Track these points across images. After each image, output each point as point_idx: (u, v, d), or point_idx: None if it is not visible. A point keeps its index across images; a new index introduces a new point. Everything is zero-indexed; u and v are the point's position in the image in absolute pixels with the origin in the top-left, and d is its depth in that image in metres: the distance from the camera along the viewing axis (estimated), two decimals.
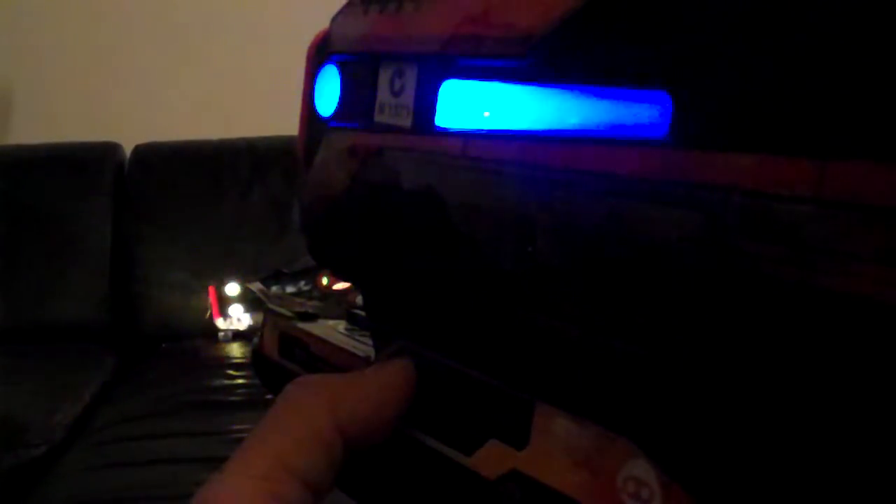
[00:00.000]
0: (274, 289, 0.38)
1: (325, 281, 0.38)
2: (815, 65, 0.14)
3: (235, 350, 1.71)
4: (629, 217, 0.16)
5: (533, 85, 0.19)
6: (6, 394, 1.48)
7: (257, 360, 0.32)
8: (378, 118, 0.23)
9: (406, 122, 0.22)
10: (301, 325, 0.30)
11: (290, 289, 0.40)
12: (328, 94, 0.25)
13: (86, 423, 1.45)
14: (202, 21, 1.98)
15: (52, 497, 1.22)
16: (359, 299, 0.32)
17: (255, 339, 0.32)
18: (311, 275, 0.40)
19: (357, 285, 0.29)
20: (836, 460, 0.14)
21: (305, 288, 0.39)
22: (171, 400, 1.45)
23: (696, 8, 0.16)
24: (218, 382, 1.52)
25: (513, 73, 0.19)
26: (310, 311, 0.31)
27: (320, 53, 0.25)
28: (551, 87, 0.18)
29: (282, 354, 0.30)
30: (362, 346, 0.27)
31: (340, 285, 0.35)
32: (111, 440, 1.34)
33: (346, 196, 0.23)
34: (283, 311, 0.31)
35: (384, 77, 0.23)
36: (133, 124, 1.94)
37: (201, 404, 1.43)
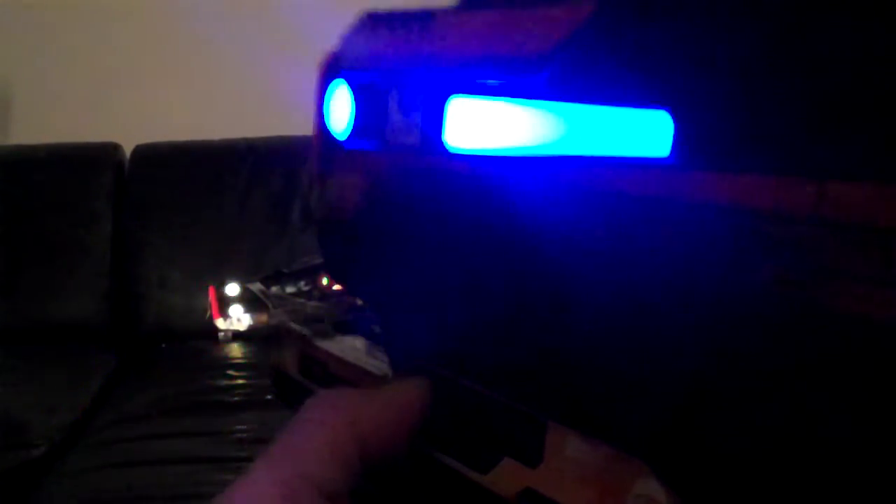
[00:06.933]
0: (274, 289, 0.38)
1: (325, 281, 0.38)
2: (815, 87, 0.14)
3: (235, 350, 1.70)
4: (635, 237, 0.16)
5: (539, 103, 0.19)
6: (6, 394, 1.48)
7: (277, 378, 0.32)
8: (389, 137, 0.23)
9: (416, 141, 0.22)
10: (320, 343, 0.30)
11: (290, 289, 0.40)
12: (339, 112, 0.25)
13: (86, 423, 1.45)
14: (202, 21, 1.98)
15: (52, 497, 1.22)
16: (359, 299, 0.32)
17: (274, 355, 0.33)
18: (311, 275, 0.41)
19: (372, 305, 0.29)
20: (841, 474, 0.14)
21: (305, 288, 0.39)
22: (171, 400, 1.45)
23: (698, 30, 0.16)
24: (218, 382, 1.52)
25: (520, 92, 0.19)
26: (328, 327, 0.31)
27: (331, 72, 0.26)
28: (557, 105, 0.19)
29: (302, 373, 0.31)
30: (380, 364, 0.28)
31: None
32: (111, 440, 1.34)
33: (359, 216, 0.24)
34: (302, 330, 0.32)
35: (394, 96, 0.23)
36: (133, 124, 1.94)
37: (201, 404, 1.43)
